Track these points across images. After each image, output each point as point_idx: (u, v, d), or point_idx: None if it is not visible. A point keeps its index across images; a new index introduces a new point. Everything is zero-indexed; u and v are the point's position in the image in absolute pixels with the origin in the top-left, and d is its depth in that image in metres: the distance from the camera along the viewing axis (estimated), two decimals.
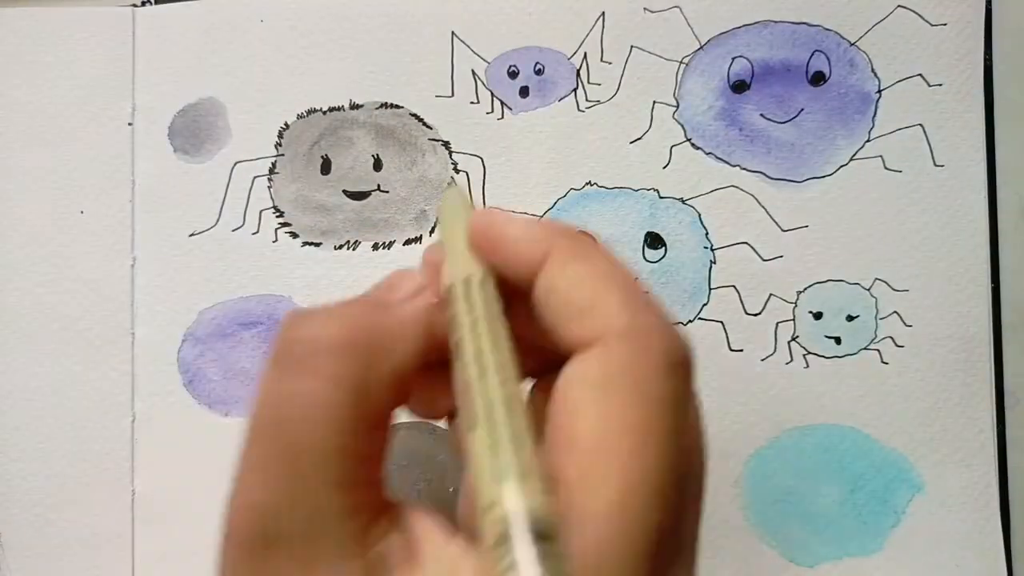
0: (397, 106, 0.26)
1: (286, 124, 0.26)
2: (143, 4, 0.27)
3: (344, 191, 0.26)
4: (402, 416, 0.26)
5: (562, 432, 0.14)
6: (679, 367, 0.14)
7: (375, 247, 0.26)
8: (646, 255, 0.26)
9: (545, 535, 0.11)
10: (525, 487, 0.12)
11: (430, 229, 0.26)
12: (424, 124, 0.26)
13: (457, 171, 0.26)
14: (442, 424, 0.25)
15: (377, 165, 0.26)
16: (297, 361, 0.14)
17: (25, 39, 0.27)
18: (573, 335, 0.15)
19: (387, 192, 0.26)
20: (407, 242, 0.26)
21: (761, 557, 0.26)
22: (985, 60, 0.27)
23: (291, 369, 0.14)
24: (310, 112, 0.26)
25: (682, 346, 0.15)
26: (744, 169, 0.26)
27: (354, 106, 0.26)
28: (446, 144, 0.26)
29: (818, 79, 0.27)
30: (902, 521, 0.26)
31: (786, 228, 0.26)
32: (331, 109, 0.26)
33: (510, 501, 0.11)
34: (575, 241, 0.16)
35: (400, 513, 0.15)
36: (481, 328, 0.14)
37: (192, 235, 0.27)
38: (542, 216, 0.26)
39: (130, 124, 0.27)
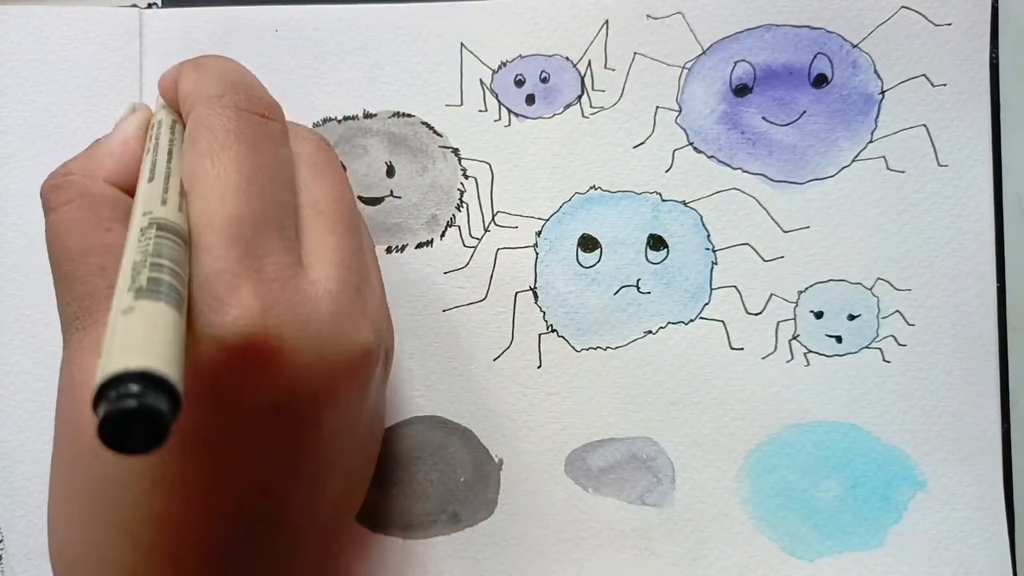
0: (409, 115, 0.28)
1: None
2: (149, 6, 0.28)
3: (359, 197, 0.27)
4: (416, 411, 0.27)
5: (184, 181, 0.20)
6: (247, 112, 0.20)
7: (388, 250, 0.27)
8: (649, 257, 0.27)
9: (169, 227, 0.18)
10: (166, 208, 0.19)
11: (440, 233, 0.27)
12: (434, 132, 0.28)
13: (466, 176, 0.27)
14: (454, 418, 0.27)
15: (390, 172, 0.28)
16: (44, 205, 0.20)
17: (28, 37, 0.28)
18: (186, 118, 0.21)
19: (399, 197, 0.27)
20: (419, 245, 0.27)
21: (761, 550, 0.26)
22: (992, 59, 0.27)
23: (45, 211, 0.20)
24: (325, 121, 0.28)
25: (255, 101, 0.20)
26: (746, 172, 0.27)
27: (367, 115, 0.28)
28: (456, 151, 0.28)
29: (820, 81, 0.27)
30: (903, 518, 0.26)
31: (787, 229, 0.27)
32: (345, 118, 0.28)
33: (153, 210, 0.18)
34: (192, 60, 0.22)
35: None
36: (163, 136, 0.21)
37: None
38: (548, 219, 0.27)
39: None
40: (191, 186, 0.19)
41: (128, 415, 0.13)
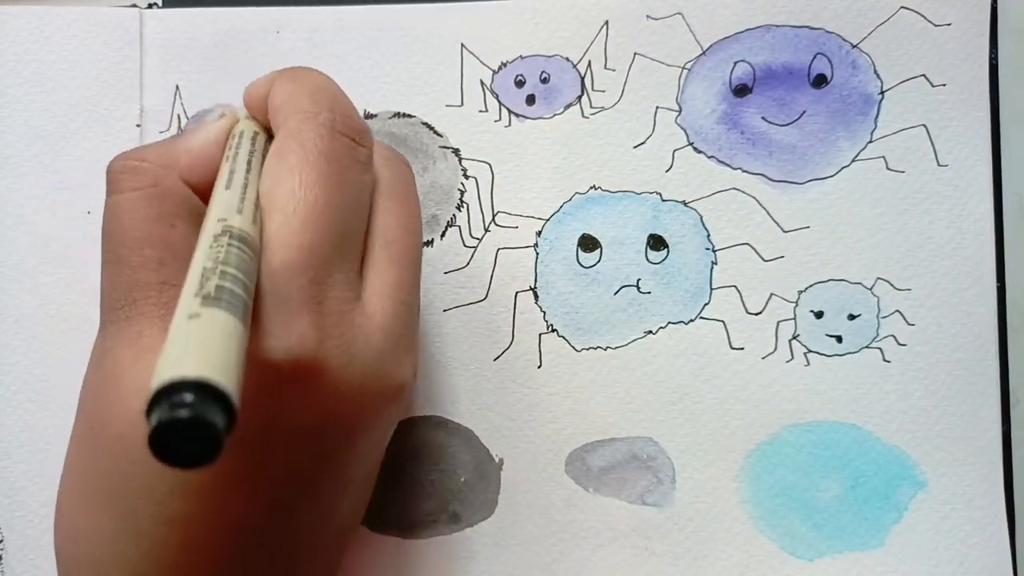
0: (409, 115, 0.28)
1: None
2: (149, 7, 0.28)
3: None
4: (416, 411, 0.27)
5: (261, 192, 0.19)
6: (340, 135, 0.20)
7: None
8: (649, 256, 0.27)
9: (242, 238, 0.18)
10: (242, 218, 0.18)
11: (441, 233, 0.28)
12: (435, 132, 0.28)
13: (467, 176, 0.28)
14: (454, 418, 0.27)
15: None
16: (112, 183, 0.20)
17: (28, 37, 0.28)
18: (276, 129, 0.20)
19: None
20: None
21: (761, 550, 0.26)
22: (991, 60, 0.27)
23: (109, 189, 0.20)
24: None
25: (349, 124, 0.20)
26: (746, 172, 0.27)
27: (368, 115, 0.28)
28: (456, 151, 0.28)
29: (820, 81, 0.27)
30: (904, 517, 0.26)
31: (787, 229, 0.27)
32: None
33: (228, 217, 0.18)
34: (285, 71, 0.22)
35: None
36: (243, 146, 0.21)
37: None
38: (548, 219, 0.27)
39: (138, 126, 0.28)
40: (272, 199, 0.19)
41: (180, 425, 0.13)
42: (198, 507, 0.18)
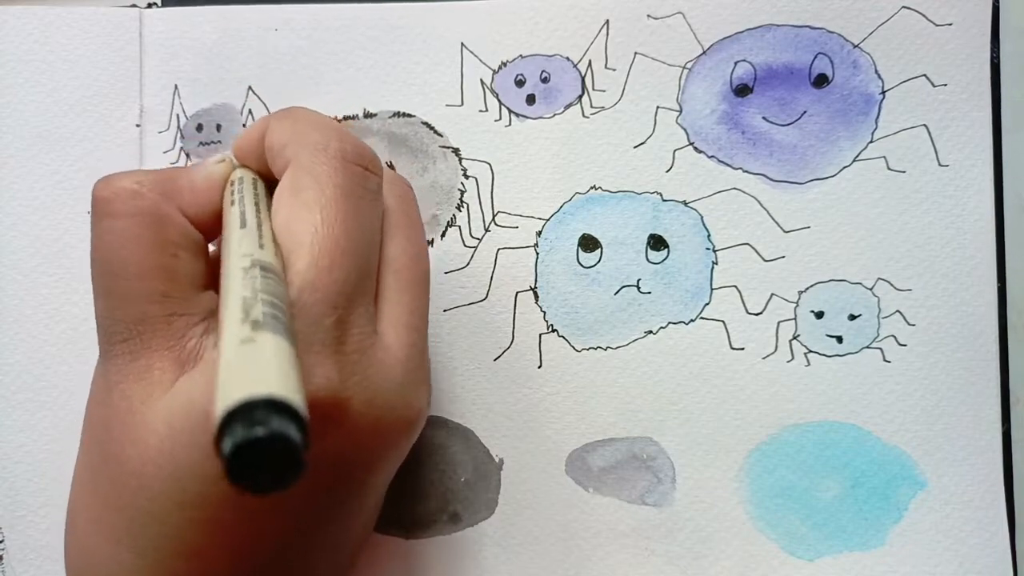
0: (409, 115, 0.28)
1: None
2: (149, 6, 0.28)
3: None
4: None
5: (276, 228, 0.19)
6: (352, 164, 0.20)
7: None
8: (649, 257, 0.27)
9: (271, 269, 0.17)
10: (264, 252, 0.18)
11: (441, 232, 0.27)
12: (435, 132, 0.28)
13: (467, 176, 0.27)
14: (454, 418, 0.27)
15: None
16: (105, 204, 0.19)
17: (28, 38, 0.28)
18: (279, 168, 0.20)
19: None
20: None
21: (761, 550, 0.26)
22: (992, 59, 0.27)
23: (103, 211, 0.19)
24: None
25: (359, 152, 0.20)
26: (746, 172, 0.27)
27: (367, 115, 0.28)
28: (456, 151, 0.28)
29: (821, 81, 0.27)
30: (904, 517, 0.26)
31: (788, 229, 0.27)
32: (346, 118, 0.28)
33: (253, 252, 0.18)
34: (277, 112, 0.21)
35: (214, 321, 0.19)
36: (247, 190, 0.21)
37: None
38: (548, 219, 0.27)
39: (138, 126, 0.28)
40: (294, 237, 0.18)
41: (259, 444, 0.13)
42: (217, 540, 0.18)
